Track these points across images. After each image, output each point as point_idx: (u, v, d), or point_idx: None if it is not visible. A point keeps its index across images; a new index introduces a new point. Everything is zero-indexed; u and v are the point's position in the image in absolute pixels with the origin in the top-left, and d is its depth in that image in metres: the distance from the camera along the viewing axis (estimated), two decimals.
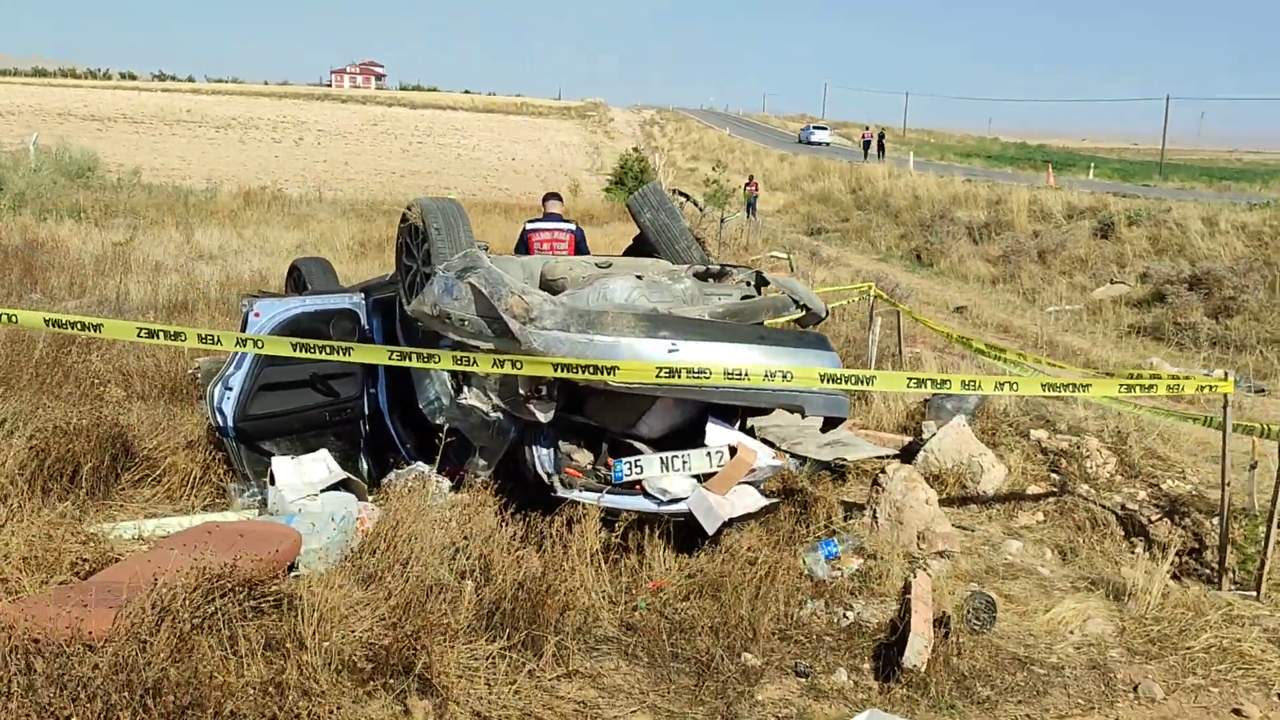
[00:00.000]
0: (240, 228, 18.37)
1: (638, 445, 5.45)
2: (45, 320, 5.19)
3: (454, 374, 5.52)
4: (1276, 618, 5.19)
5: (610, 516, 5.08)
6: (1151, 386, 5.80)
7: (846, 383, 5.25)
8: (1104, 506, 6.70)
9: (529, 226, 10.02)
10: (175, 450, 6.27)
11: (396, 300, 6.03)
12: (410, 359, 5.21)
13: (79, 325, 5.19)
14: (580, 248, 9.89)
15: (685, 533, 5.39)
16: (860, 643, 4.72)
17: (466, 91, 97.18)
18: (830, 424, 5.60)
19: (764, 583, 4.99)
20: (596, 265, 5.45)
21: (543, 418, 5.28)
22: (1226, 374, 5.86)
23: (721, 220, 24.69)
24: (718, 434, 5.33)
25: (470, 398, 5.43)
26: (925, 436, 7.41)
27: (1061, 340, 14.09)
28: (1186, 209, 21.42)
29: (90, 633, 3.69)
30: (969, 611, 4.86)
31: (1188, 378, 6.28)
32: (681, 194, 34.16)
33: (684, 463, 5.22)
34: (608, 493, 5.15)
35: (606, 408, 5.39)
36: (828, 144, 61.49)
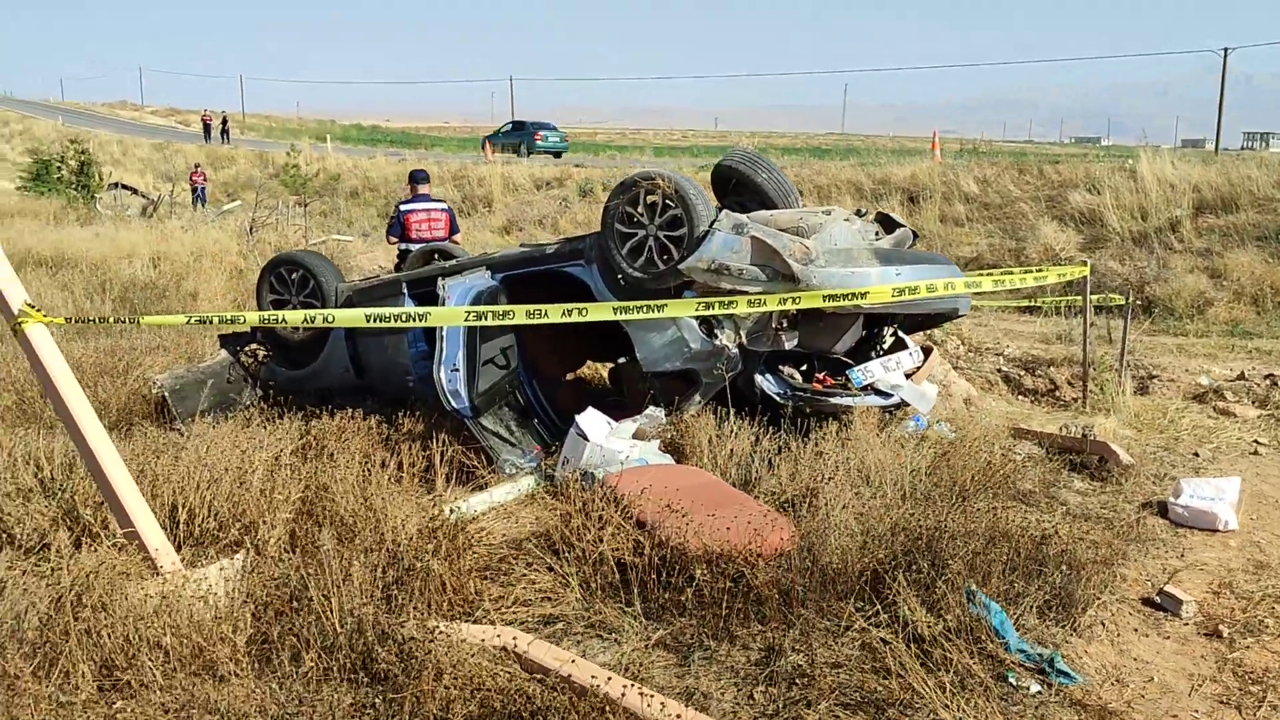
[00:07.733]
0: None
1: (843, 360, 6.66)
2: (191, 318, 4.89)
3: (703, 321, 6.20)
4: (1182, 406, 8.12)
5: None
6: (1042, 273, 8.39)
7: (969, 288, 7.00)
8: (991, 372, 9.29)
9: (404, 207, 9.99)
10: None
11: (594, 267, 6.41)
12: (712, 307, 5.87)
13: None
14: (453, 225, 10.13)
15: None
16: (1051, 467, 6.56)
17: None
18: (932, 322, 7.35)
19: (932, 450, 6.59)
20: (823, 213, 6.46)
21: (789, 345, 6.28)
22: (1086, 261, 8.70)
23: (219, 210, 23.59)
24: (908, 339, 6.77)
25: (724, 338, 6.20)
26: None
27: None
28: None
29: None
30: (1081, 432, 6.97)
31: (1049, 271, 9.05)
32: (126, 187, 31.53)
33: (897, 364, 6.58)
34: (859, 397, 6.36)
35: (819, 333, 6.50)
36: None
